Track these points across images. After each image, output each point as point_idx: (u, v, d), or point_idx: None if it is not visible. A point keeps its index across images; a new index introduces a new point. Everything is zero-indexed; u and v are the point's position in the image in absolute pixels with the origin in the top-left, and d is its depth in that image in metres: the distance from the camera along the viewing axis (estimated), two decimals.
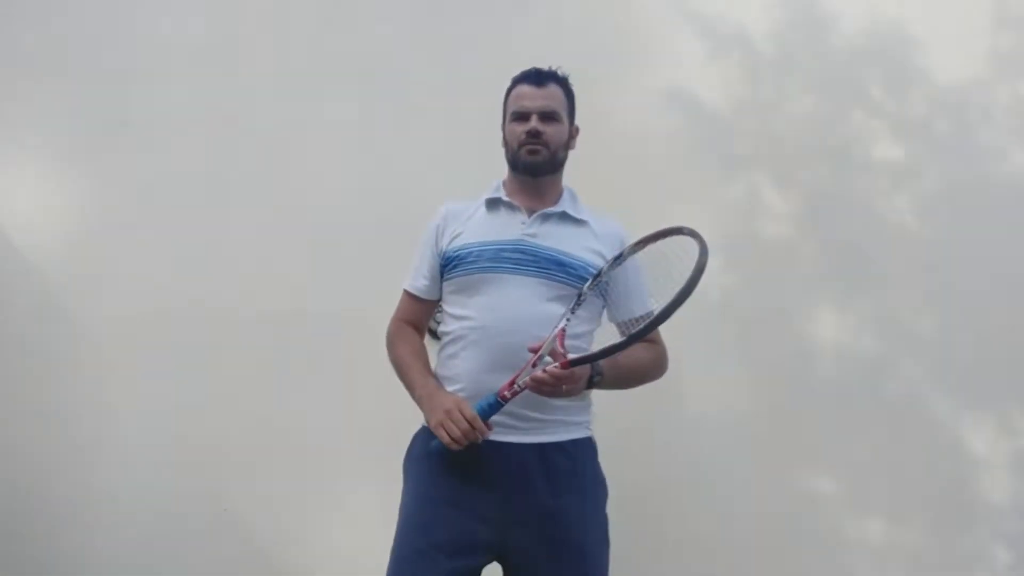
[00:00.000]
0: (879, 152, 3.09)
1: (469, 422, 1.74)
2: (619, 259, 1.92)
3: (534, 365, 1.77)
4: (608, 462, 2.90)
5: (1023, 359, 2.97)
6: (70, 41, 3.24)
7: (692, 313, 2.97)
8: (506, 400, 1.76)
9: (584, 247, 1.95)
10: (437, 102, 3.11)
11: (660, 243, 1.87)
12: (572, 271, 1.91)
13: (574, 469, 1.89)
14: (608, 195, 2.89)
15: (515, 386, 1.76)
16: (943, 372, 2.99)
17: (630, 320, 1.94)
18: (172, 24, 3.24)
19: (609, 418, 2.95)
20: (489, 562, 1.85)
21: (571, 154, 3.06)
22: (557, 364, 1.74)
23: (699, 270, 1.68)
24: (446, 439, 1.75)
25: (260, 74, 3.21)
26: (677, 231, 1.83)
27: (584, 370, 1.80)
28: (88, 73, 3.23)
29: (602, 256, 1.96)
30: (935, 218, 3.05)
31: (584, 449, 1.94)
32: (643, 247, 1.90)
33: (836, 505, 2.96)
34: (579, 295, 1.89)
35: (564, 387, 1.76)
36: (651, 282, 1.84)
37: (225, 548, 3.01)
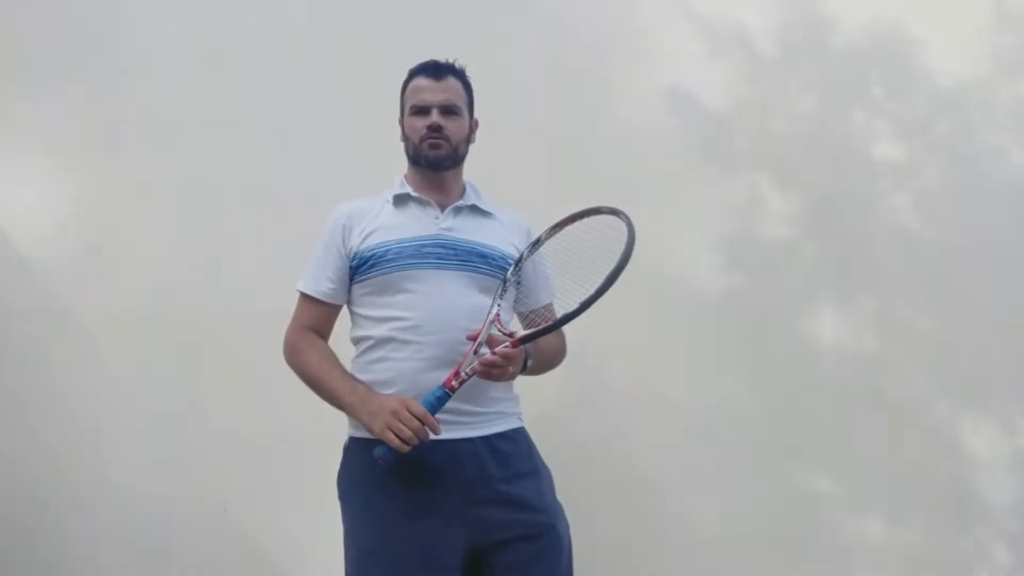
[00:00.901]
0: (879, 152, 3.09)
1: (420, 419, 1.68)
2: (537, 244, 1.94)
3: (475, 352, 1.76)
4: (607, 461, 2.91)
5: (1023, 359, 2.97)
6: (70, 41, 3.25)
7: (692, 312, 3.01)
8: (454, 390, 1.73)
9: (499, 238, 1.96)
10: None
11: (578, 224, 1.89)
12: (493, 262, 1.92)
13: (520, 454, 1.89)
14: (608, 195, 2.88)
15: (461, 374, 1.73)
16: (943, 372, 2.99)
17: (536, 310, 1.99)
18: (172, 24, 3.24)
19: (608, 417, 2.97)
20: (465, 566, 1.81)
21: (570, 152, 3.06)
22: (507, 344, 1.74)
23: (631, 240, 1.73)
24: (396, 442, 1.68)
25: (260, 73, 3.21)
26: (595, 211, 1.86)
27: (521, 353, 1.81)
28: (88, 73, 3.23)
29: (515, 246, 1.97)
30: (935, 218, 3.05)
31: (525, 437, 1.95)
32: (560, 230, 1.92)
33: (836, 505, 2.96)
34: (504, 281, 1.89)
35: (511, 368, 1.77)
36: (574, 264, 1.84)
37: (225, 548, 3.01)
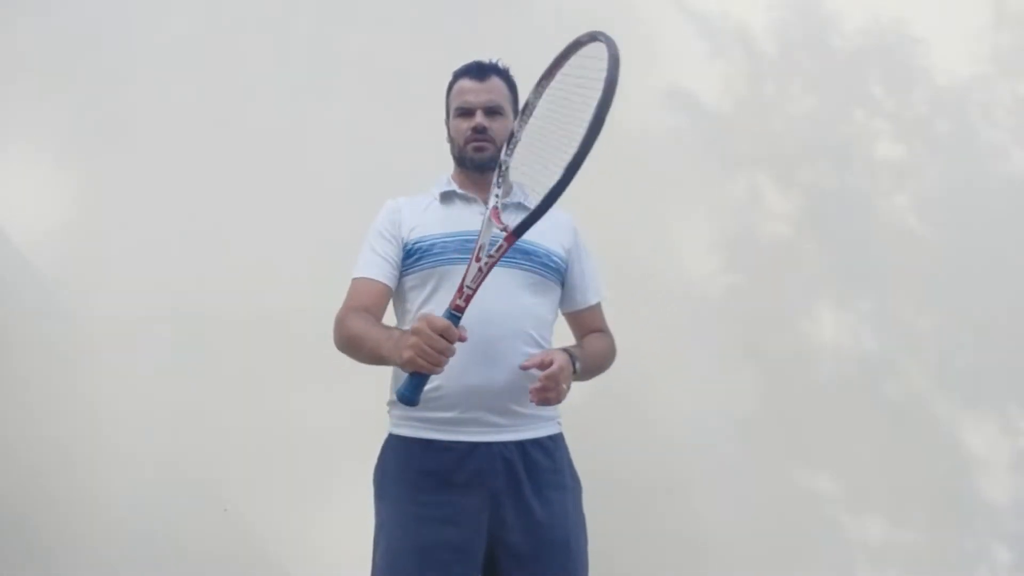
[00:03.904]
0: (879, 152, 3.09)
1: (442, 332, 1.56)
2: (527, 108, 1.83)
3: (477, 260, 1.64)
4: (608, 461, 2.91)
5: (1023, 359, 2.97)
6: (70, 41, 3.25)
7: (692, 311, 3.01)
8: (461, 310, 1.61)
9: (544, 236, 1.93)
10: (437, 102, 3.11)
11: (563, 70, 1.79)
12: (537, 259, 1.89)
13: (554, 466, 1.87)
14: (608, 195, 2.90)
15: (465, 290, 1.61)
16: (943, 372, 2.99)
17: (586, 309, 1.96)
18: (172, 24, 3.24)
19: (609, 417, 2.97)
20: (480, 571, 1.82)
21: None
22: (502, 241, 1.63)
23: (614, 62, 1.56)
24: (427, 367, 1.58)
25: (260, 74, 3.21)
26: (575, 45, 1.75)
27: (568, 363, 1.76)
28: (88, 73, 3.23)
29: (562, 245, 1.95)
30: (935, 218, 3.05)
31: (560, 444, 1.93)
32: (547, 84, 1.81)
33: (836, 504, 2.96)
34: (500, 165, 1.83)
35: (564, 385, 1.73)
36: (565, 122, 1.67)
37: (225, 548, 3.01)
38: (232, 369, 3.06)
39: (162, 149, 3.19)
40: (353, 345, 1.84)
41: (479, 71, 1.97)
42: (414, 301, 1.90)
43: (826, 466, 2.99)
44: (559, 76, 1.79)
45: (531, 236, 1.89)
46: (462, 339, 1.60)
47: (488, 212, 1.74)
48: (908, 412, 2.97)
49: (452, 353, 1.59)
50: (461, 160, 1.98)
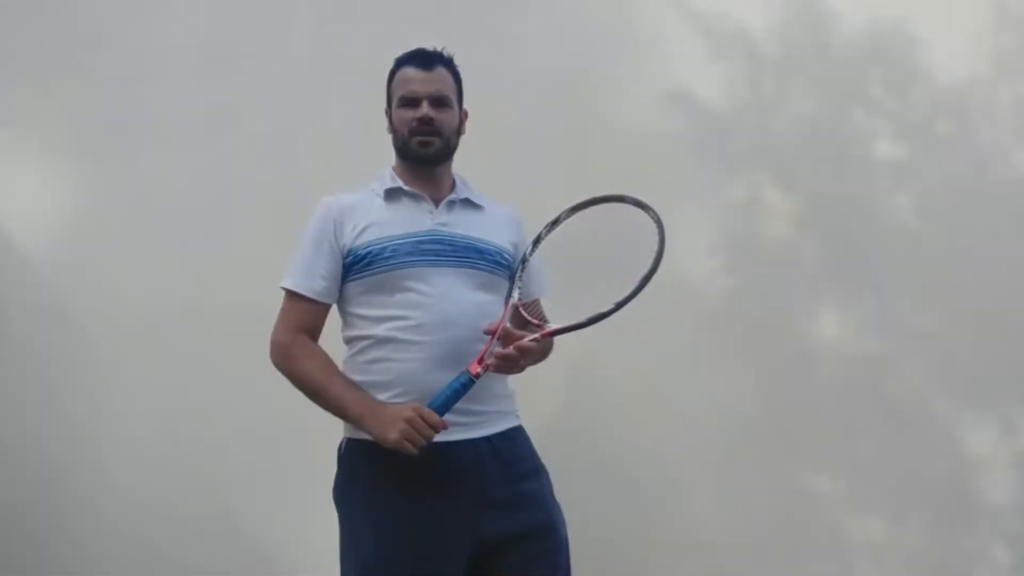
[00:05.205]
0: (880, 152, 3.09)
1: (433, 427, 1.67)
2: (555, 223, 1.89)
3: (498, 338, 1.73)
4: (608, 461, 2.92)
5: (1023, 359, 2.97)
6: (71, 41, 3.25)
7: (692, 312, 3.01)
8: (479, 377, 1.69)
9: (494, 233, 1.90)
10: None
11: (599, 208, 1.86)
12: (489, 257, 1.87)
13: (520, 454, 1.87)
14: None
15: (486, 360, 1.70)
16: (943, 372, 2.99)
17: (528, 303, 1.92)
18: (173, 24, 3.24)
19: (608, 417, 2.97)
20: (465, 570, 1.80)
21: (573, 153, 3.06)
22: (537, 336, 1.72)
23: (662, 243, 1.71)
24: (411, 450, 1.67)
25: (261, 74, 3.21)
26: (619, 199, 1.83)
27: (539, 347, 1.78)
28: (89, 73, 3.23)
29: (509, 240, 1.93)
30: (935, 218, 3.05)
31: (522, 435, 1.92)
32: (580, 211, 1.89)
33: (836, 505, 2.97)
34: (523, 261, 1.87)
35: (522, 362, 1.74)
36: (595, 253, 1.83)
37: (225, 548, 3.01)
38: (232, 369, 3.06)
39: (163, 150, 3.19)
40: (306, 390, 1.88)
41: (425, 59, 1.90)
42: (367, 307, 1.84)
43: (826, 466, 2.99)
44: (596, 210, 1.87)
45: (482, 234, 1.89)
46: (445, 427, 1.69)
47: (513, 300, 1.81)
48: (908, 412, 2.97)
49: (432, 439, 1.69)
50: (404, 153, 1.92)
